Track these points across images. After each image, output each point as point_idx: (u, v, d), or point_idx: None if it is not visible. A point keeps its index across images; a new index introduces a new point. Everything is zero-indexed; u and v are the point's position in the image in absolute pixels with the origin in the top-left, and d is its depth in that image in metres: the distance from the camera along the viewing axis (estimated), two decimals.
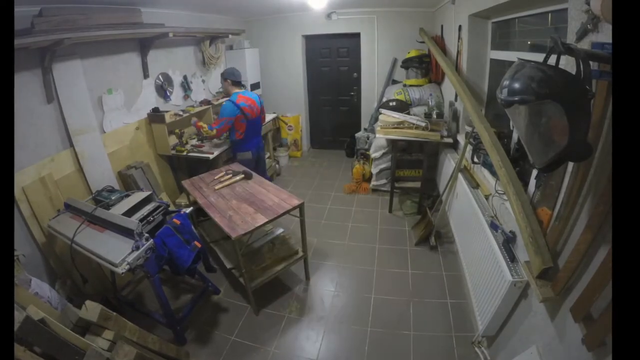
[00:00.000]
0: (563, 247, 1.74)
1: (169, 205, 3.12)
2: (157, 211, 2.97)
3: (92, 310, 2.10)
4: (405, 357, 2.78)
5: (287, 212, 3.06)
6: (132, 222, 2.54)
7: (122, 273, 2.33)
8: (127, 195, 3.10)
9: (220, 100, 5.33)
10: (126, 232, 2.54)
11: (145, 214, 2.89)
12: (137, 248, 2.43)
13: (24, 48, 2.66)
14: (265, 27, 6.64)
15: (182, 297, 3.51)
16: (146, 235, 2.54)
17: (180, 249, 2.73)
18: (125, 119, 3.98)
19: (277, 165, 6.36)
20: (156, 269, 2.64)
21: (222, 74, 4.32)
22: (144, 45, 4.10)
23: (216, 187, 3.43)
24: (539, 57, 1.34)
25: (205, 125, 4.20)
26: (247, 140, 4.32)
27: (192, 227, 2.94)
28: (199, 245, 2.88)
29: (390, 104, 5.07)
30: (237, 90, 4.24)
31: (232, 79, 4.23)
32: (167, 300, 2.87)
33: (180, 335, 2.97)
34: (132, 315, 2.91)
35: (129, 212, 2.84)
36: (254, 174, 3.72)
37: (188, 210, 3.00)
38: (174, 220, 2.80)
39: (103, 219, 2.73)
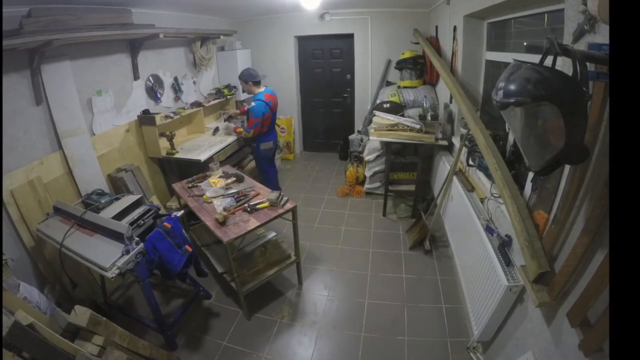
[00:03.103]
0: (559, 251, 1.72)
1: (159, 209, 3.09)
2: (148, 215, 2.94)
3: (81, 315, 2.07)
4: None
5: (280, 215, 3.03)
6: (122, 226, 2.51)
7: (112, 277, 2.31)
8: (117, 199, 3.07)
9: (213, 103, 5.34)
10: (116, 236, 2.53)
11: (135, 217, 2.86)
12: (127, 252, 2.41)
13: (12, 49, 2.62)
14: (258, 27, 6.60)
15: (173, 302, 3.47)
16: (136, 239, 2.51)
17: (171, 253, 2.70)
18: (115, 121, 3.94)
19: None
20: (147, 274, 2.60)
21: (241, 77, 4.59)
22: (134, 46, 4.05)
23: (207, 193, 3.38)
24: (535, 58, 1.32)
25: (242, 130, 4.57)
26: (270, 131, 4.75)
27: (183, 230, 2.91)
28: (190, 249, 2.85)
29: (384, 105, 5.05)
30: (259, 89, 4.61)
31: (252, 80, 4.56)
32: (158, 305, 2.84)
33: (171, 341, 2.93)
34: (122, 320, 2.87)
35: (119, 216, 2.81)
36: (245, 176, 3.69)
37: (179, 213, 2.98)
38: (165, 223, 2.77)
39: (93, 222, 2.70)
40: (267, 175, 4.98)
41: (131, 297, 3.57)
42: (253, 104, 4.45)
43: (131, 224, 2.69)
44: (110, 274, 2.30)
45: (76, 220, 2.74)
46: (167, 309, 3.33)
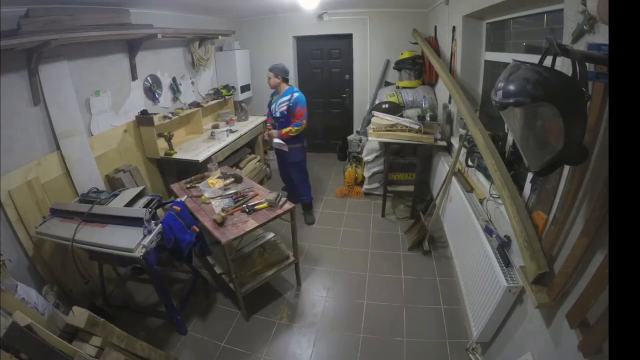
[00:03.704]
0: (559, 252, 1.72)
1: (161, 197, 3.15)
2: (152, 203, 2.99)
3: (79, 316, 2.07)
4: None
5: (278, 216, 3.03)
6: (140, 211, 2.70)
7: (140, 256, 2.48)
8: (115, 195, 3.14)
9: (212, 103, 5.32)
10: (130, 222, 2.68)
11: (143, 205, 2.97)
12: (150, 232, 2.61)
13: (10, 49, 2.62)
14: (256, 27, 6.60)
15: (175, 293, 3.52)
16: (154, 221, 2.69)
17: (183, 234, 2.83)
18: (113, 121, 3.93)
19: (268, 169, 6.31)
20: (156, 259, 2.71)
21: (273, 69, 4.23)
22: (132, 47, 4.05)
23: (205, 194, 3.37)
24: (534, 58, 1.32)
25: (293, 129, 4.21)
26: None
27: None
28: (197, 229, 2.96)
29: (383, 106, 5.04)
30: (287, 86, 4.31)
31: (284, 76, 4.26)
32: (167, 290, 2.94)
33: (181, 325, 3.04)
34: (121, 320, 2.93)
35: (127, 206, 2.95)
36: (243, 177, 3.68)
37: (183, 198, 3.15)
38: (174, 207, 2.89)
39: (103, 214, 2.81)
40: (306, 176, 4.77)
41: (129, 295, 3.58)
42: (295, 94, 4.17)
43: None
44: (138, 253, 2.48)
45: (83, 217, 2.78)
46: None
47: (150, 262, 2.62)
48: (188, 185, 3.58)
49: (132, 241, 2.51)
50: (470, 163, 3.29)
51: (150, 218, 2.69)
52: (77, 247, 2.68)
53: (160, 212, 3.02)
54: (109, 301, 3.29)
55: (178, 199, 3.03)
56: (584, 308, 1.41)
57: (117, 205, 2.94)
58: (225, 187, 3.48)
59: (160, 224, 2.68)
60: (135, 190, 3.12)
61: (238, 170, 4.89)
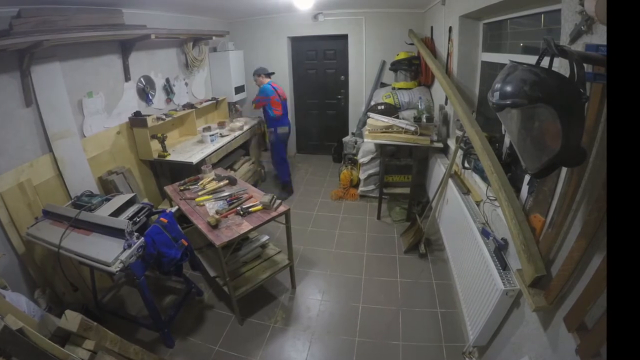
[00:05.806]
0: (556, 254, 1.71)
1: (152, 206, 3.10)
2: (142, 212, 2.96)
3: (72, 320, 2.04)
4: None
5: (273, 218, 3.01)
6: (122, 222, 2.58)
7: (117, 272, 2.37)
8: (107, 199, 3.09)
9: (205, 104, 5.37)
10: (114, 233, 2.57)
11: (130, 215, 2.89)
12: (129, 246, 2.48)
13: (1, 50, 2.60)
14: (250, 28, 6.58)
15: (166, 302, 3.46)
16: (136, 233, 2.58)
17: (169, 247, 2.74)
18: (106, 123, 3.90)
19: (262, 171, 6.30)
20: (142, 271, 2.63)
21: (255, 72, 5.27)
22: (125, 47, 4.02)
23: (200, 193, 3.34)
24: (531, 59, 1.30)
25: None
26: (284, 117, 5.31)
27: (178, 225, 2.94)
28: (185, 243, 2.87)
29: (379, 107, 5.02)
30: (268, 80, 5.23)
31: (264, 73, 5.25)
32: (154, 302, 2.84)
33: (168, 338, 2.95)
34: (114, 323, 2.92)
35: (114, 214, 2.85)
36: (238, 179, 3.66)
37: (173, 209, 3.04)
38: (162, 219, 2.80)
39: (88, 221, 2.73)
40: (283, 161, 5.50)
41: (122, 299, 3.54)
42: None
43: (129, 219, 2.74)
44: (114, 268, 2.35)
45: (71, 222, 2.72)
46: (161, 308, 3.28)
47: (137, 273, 2.57)
48: (182, 188, 3.54)
49: (110, 254, 2.41)
50: (466, 165, 3.28)
51: (133, 231, 2.60)
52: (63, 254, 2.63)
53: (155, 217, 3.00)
54: (101, 306, 3.25)
55: (167, 210, 2.95)
56: (582, 311, 1.40)
57: (105, 212, 2.86)
58: (220, 189, 3.45)
59: (142, 238, 2.58)
60: (126, 197, 3.06)
61: (232, 172, 4.86)
